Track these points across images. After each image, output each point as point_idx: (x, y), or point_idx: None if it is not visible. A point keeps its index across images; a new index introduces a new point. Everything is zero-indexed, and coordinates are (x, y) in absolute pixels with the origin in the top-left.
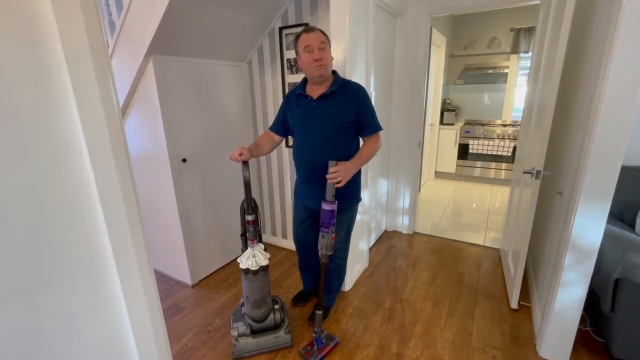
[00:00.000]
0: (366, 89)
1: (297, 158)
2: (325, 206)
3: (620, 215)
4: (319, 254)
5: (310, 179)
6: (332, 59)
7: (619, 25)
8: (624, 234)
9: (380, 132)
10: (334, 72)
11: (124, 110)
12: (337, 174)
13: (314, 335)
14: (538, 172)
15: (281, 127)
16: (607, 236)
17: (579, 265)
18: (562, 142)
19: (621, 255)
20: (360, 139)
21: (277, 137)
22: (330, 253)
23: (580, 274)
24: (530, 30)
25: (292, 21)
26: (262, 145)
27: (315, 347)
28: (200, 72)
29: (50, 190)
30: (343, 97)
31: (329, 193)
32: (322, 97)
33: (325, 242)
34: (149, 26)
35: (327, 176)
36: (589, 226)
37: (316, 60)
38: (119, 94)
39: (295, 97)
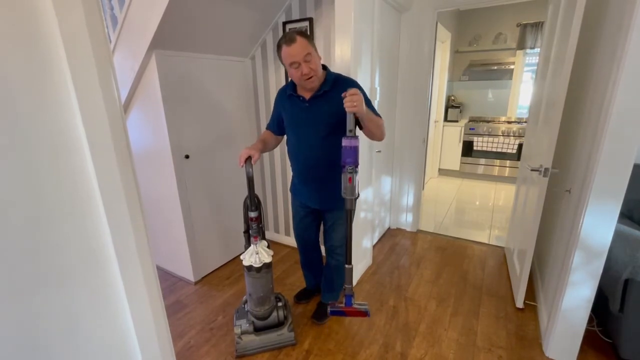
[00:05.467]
0: (371, 84)
1: (293, 158)
2: (344, 142)
3: (629, 214)
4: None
5: (307, 178)
6: (320, 58)
7: (633, 19)
8: (633, 233)
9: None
10: (324, 68)
11: (126, 105)
12: (355, 97)
13: (345, 291)
14: (546, 169)
15: (279, 127)
16: (616, 235)
17: (587, 264)
18: (570, 139)
19: (631, 255)
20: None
21: (278, 136)
22: (352, 197)
23: (589, 274)
24: (537, 26)
25: (295, 16)
26: (268, 142)
27: (342, 304)
28: (203, 67)
29: (50, 187)
30: (336, 95)
31: (348, 126)
32: (315, 97)
33: (344, 185)
34: (151, 20)
35: (344, 97)
36: (599, 225)
37: (305, 74)
38: (121, 89)
39: (286, 97)
